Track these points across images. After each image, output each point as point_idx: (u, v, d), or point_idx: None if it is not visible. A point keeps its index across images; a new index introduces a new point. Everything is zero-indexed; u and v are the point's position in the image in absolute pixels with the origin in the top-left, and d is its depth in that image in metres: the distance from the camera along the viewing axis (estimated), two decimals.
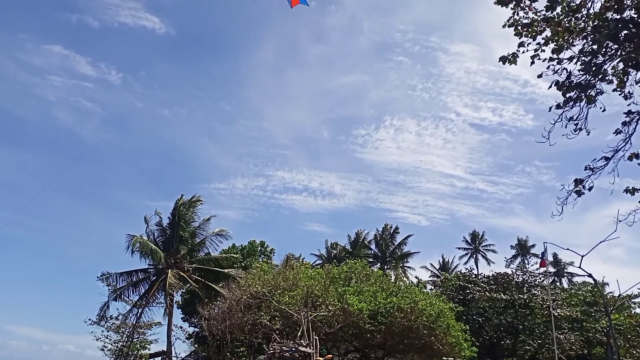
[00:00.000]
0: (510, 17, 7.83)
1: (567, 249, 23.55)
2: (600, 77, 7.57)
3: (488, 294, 37.83)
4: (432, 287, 46.54)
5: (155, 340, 38.60)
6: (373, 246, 63.44)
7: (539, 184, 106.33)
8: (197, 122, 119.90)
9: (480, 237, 71.82)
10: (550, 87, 7.61)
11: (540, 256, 29.60)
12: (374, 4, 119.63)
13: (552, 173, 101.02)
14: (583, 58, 7.52)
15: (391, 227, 63.63)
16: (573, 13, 7.39)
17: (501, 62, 7.98)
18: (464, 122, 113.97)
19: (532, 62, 7.88)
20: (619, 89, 7.76)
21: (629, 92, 7.75)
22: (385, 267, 57.47)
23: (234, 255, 39.12)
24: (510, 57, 7.92)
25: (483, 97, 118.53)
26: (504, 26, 7.88)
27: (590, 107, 7.69)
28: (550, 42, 7.70)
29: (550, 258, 65.64)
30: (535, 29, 7.68)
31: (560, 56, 7.68)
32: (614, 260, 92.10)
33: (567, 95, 7.61)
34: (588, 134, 7.70)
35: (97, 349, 36.98)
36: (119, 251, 34.87)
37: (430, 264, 68.90)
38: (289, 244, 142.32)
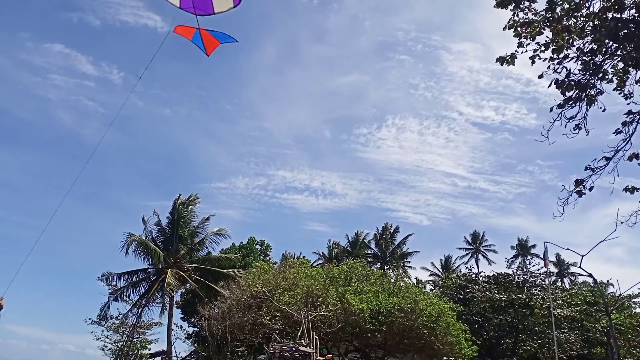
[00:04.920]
0: (510, 19, 7.81)
1: (568, 248, 23.48)
2: (600, 76, 7.56)
3: (488, 294, 37.84)
4: (432, 287, 46.58)
5: (155, 340, 38.68)
6: (373, 246, 63.51)
7: (541, 183, 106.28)
8: (197, 122, 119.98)
9: (481, 237, 71.85)
10: (550, 85, 7.61)
11: (541, 257, 29.63)
12: (375, 4, 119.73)
13: (554, 172, 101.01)
14: (583, 57, 7.51)
15: (391, 226, 63.73)
16: (573, 12, 7.37)
17: (499, 63, 7.97)
18: (466, 121, 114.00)
19: (533, 62, 7.87)
20: (619, 89, 7.75)
21: (629, 92, 7.74)
22: (386, 267, 57.48)
23: (234, 255, 39.14)
24: (508, 58, 7.90)
25: (485, 96, 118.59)
26: (504, 28, 7.87)
27: (590, 107, 7.68)
28: (551, 44, 7.68)
29: (553, 258, 65.61)
30: (535, 29, 7.67)
31: (561, 56, 7.67)
32: (614, 260, 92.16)
33: (567, 94, 7.60)
34: (587, 134, 7.70)
35: (98, 349, 37.09)
36: (119, 251, 34.86)
37: (432, 263, 68.99)
38: (290, 243, 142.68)
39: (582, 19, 7.50)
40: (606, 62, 7.56)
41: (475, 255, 71.04)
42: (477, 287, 39.56)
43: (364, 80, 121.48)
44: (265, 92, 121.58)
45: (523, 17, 7.76)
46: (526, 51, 7.78)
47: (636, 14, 6.98)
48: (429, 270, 67.34)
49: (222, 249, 40.39)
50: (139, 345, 38.06)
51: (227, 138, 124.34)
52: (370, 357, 29.66)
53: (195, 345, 37.04)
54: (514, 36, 7.78)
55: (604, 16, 7.16)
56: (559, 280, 67.67)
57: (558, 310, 34.83)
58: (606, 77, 7.66)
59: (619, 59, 7.47)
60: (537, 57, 7.79)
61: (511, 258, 68.05)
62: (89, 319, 36.61)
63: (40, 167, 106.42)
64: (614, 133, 7.87)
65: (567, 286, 58.68)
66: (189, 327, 38.66)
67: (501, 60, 7.93)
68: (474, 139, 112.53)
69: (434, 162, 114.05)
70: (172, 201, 38.16)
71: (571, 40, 7.62)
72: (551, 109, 7.79)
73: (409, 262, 62.89)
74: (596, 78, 7.56)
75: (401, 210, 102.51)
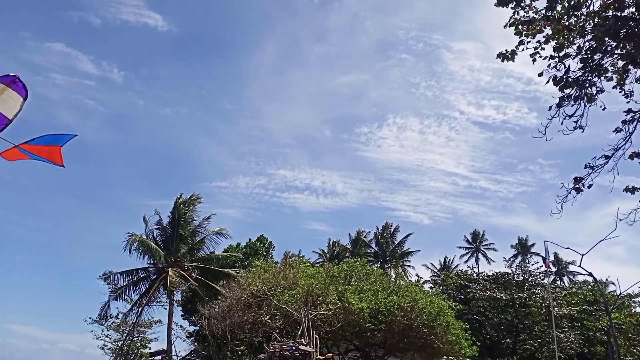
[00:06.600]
0: (510, 17, 7.82)
1: (567, 247, 23.42)
2: (599, 74, 7.56)
3: (489, 293, 37.83)
4: (432, 286, 46.56)
5: (155, 338, 38.74)
6: (374, 245, 63.54)
7: (541, 182, 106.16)
8: (198, 121, 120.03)
9: (481, 236, 71.89)
10: (547, 82, 7.62)
11: (542, 257, 29.58)
12: (375, 3, 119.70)
13: (556, 171, 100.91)
14: (583, 55, 7.51)
15: (391, 225, 63.76)
16: (573, 10, 7.37)
17: (499, 59, 7.98)
18: (467, 120, 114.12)
19: (534, 60, 7.87)
20: (619, 87, 7.75)
21: (629, 90, 7.74)
22: (386, 266, 57.51)
23: (235, 255, 39.16)
24: (508, 54, 7.91)
25: (486, 95, 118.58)
26: (505, 26, 7.87)
27: (590, 105, 7.68)
28: (550, 40, 7.68)
29: (551, 257, 65.65)
30: (536, 27, 7.67)
31: (561, 54, 7.67)
32: (614, 259, 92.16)
33: (565, 91, 7.61)
34: (583, 131, 7.70)
35: (98, 348, 37.16)
36: (120, 251, 34.97)
37: (431, 263, 69.07)
38: (290, 242, 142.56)
39: (582, 17, 7.50)
40: (606, 60, 7.56)
41: (475, 255, 71.11)
42: (477, 286, 39.55)
43: (364, 80, 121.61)
44: (266, 91, 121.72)
45: (524, 15, 7.76)
46: (527, 49, 7.79)
47: (636, 12, 6.98)
48: (429, 269, 67.50)
49: (230, 246, 40.55)
50: (139, 344, 38.10)
51: (228, 137, 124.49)
52: (370, 356, 29.66)
53: (196, 344, 37.06)
54: (515, 34, 7.78)
55: (604, 14, 7.16)
56: (558, 279, 67.69)
57: (557, 309, 34.82)
58: (606, 75, 7.67)
59: (618, 57, 7.47)
60: (538, 55, 7.80)
61: (511, 257, 68.17)
62: (89, 318, 36.72)
63: (40, 167, 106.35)
64: (614, 131, 7.88)
65: (567, 285, 58.69)
66: (189, 326, 38.72)
67: (501, 56, 7.95)
68: (474, 138, 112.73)
69: (435, 161, 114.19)
70: (174, 200, 38.24)
71: (572, 39, 7.62)
72: (550, 108, 7.80)
73: (409, 261, 63.02)
74: (595, 76, 7.57)
75: (402, 209, 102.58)
